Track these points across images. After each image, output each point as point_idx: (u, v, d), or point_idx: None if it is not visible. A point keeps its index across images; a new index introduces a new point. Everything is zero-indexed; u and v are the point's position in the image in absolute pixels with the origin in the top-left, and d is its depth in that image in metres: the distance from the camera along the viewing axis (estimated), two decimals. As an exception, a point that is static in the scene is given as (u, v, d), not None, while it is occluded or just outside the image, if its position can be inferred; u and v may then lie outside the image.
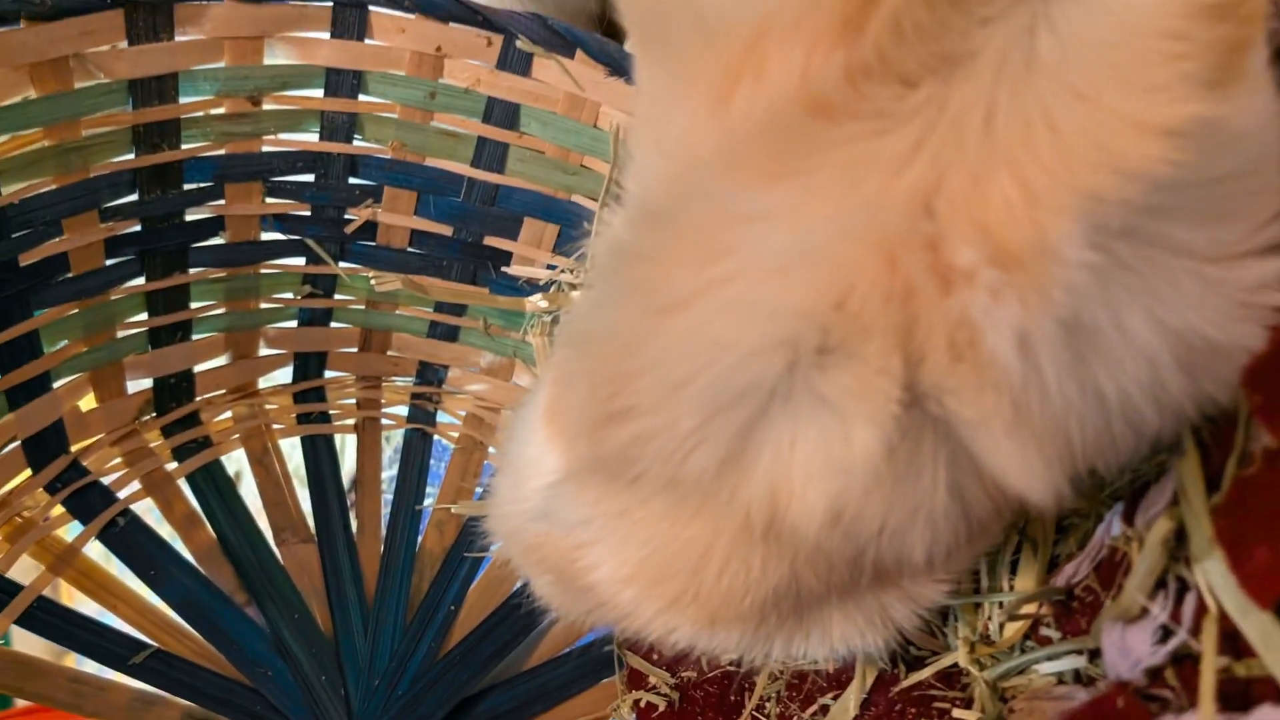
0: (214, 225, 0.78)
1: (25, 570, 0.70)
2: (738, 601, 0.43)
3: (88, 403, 0.78)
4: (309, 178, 0.79)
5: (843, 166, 0.30)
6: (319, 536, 0.78)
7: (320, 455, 0.83)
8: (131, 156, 0.71)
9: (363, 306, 0.86)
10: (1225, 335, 0.34)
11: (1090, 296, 0.30)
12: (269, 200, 0.79)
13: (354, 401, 0.88)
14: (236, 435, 0.83)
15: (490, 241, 0.83)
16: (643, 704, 0.65)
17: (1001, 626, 0.51)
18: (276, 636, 0.71)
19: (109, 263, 0.74)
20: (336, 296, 0.85)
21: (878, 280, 0.30)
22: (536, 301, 0.83)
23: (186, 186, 0.75)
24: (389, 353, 0.89)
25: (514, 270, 0.84)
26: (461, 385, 0.89)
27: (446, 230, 0.83)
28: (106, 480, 0.77)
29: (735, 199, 0.32)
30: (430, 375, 0.89)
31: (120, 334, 0.78)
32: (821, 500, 0.35)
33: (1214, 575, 0.35)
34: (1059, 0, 0.31)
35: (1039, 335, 0.30)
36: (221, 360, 0.84)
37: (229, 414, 0.85)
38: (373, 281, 0.83)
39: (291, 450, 0.85)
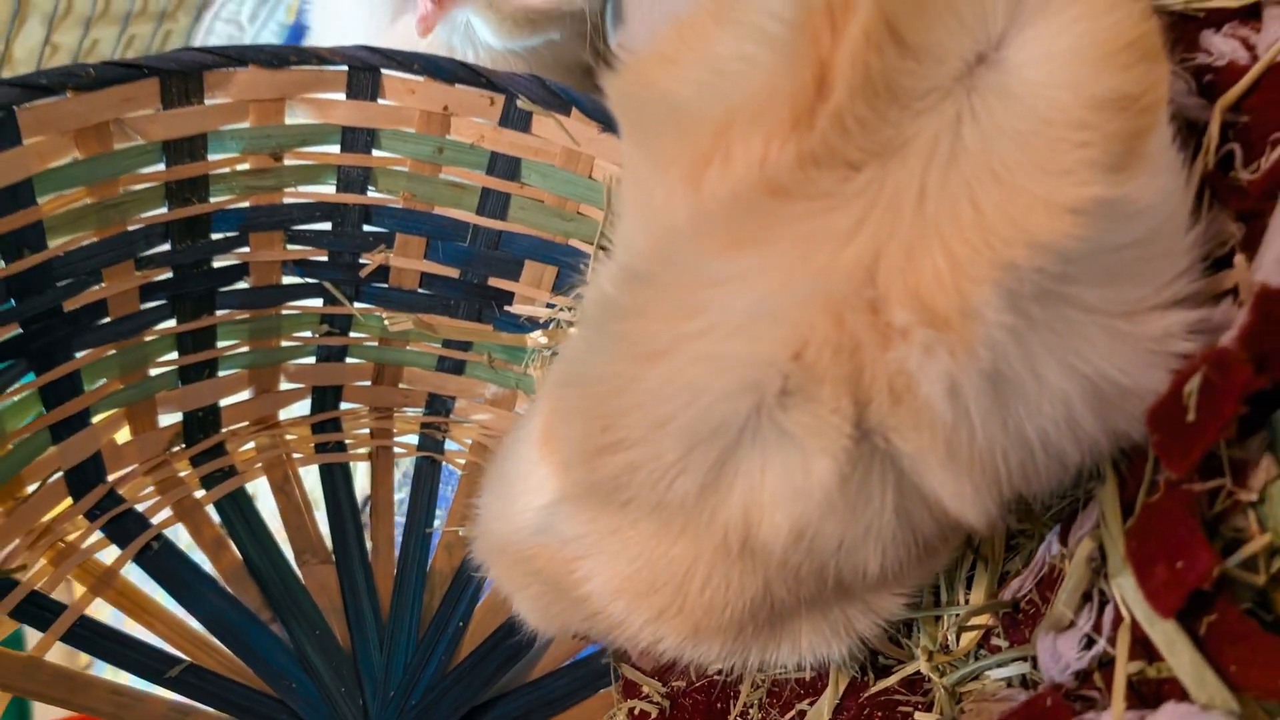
0: (239, 271, 0.82)
1: (68, 591, 0.73)
2: (718, 613, 0.46)
3: (123, 435, 0.82)
4: (327, 226, 0.83)
5: (797, 240, 0.34)
6: (337, 558, 0.81)
7: (337, 482, 0.87)
8: (165, 210, 0.75)
9: (376, 343, 0.90)
10: (1134, 380, 0.38)
11: (1009, 350, 0.34)
12: (290, 247, 0.83)
13: (368, 431, 0.91)
14: (259, 464, 0.87)
15: (494, 282, 0.86)
16: (636, 711, 0.68)
17: (957, 636, 0.55)
18: (299, 651, 0.75)
19: (143, 307, 0.78)
20: (352, 334, 0.89)
21: (828, 336, 0.34)
22: (537, 337, 0.87)
23: (214, 236, 0.79)
24: (400, 385, 0.92)
25: (516, 309, 0.87)
26: (468, 415, 0.92)
27: (454, 273, 0.86)
28: (141, 507, 0.80)
29: (706, 266, 0.36)
30: (439, 406, 0.93)
31: (153, 372, 0.81)
32: (786, 521, 0.39)
33: (1126, 590, 0.39)
34: (981, 94, 0.35)
35: (966, 384, 0.34)
36: (245, 395, 0.88)
37: (252, 444, 0.88)
38: (386, 321, 0.86)
39: (309, 475, 0.88)
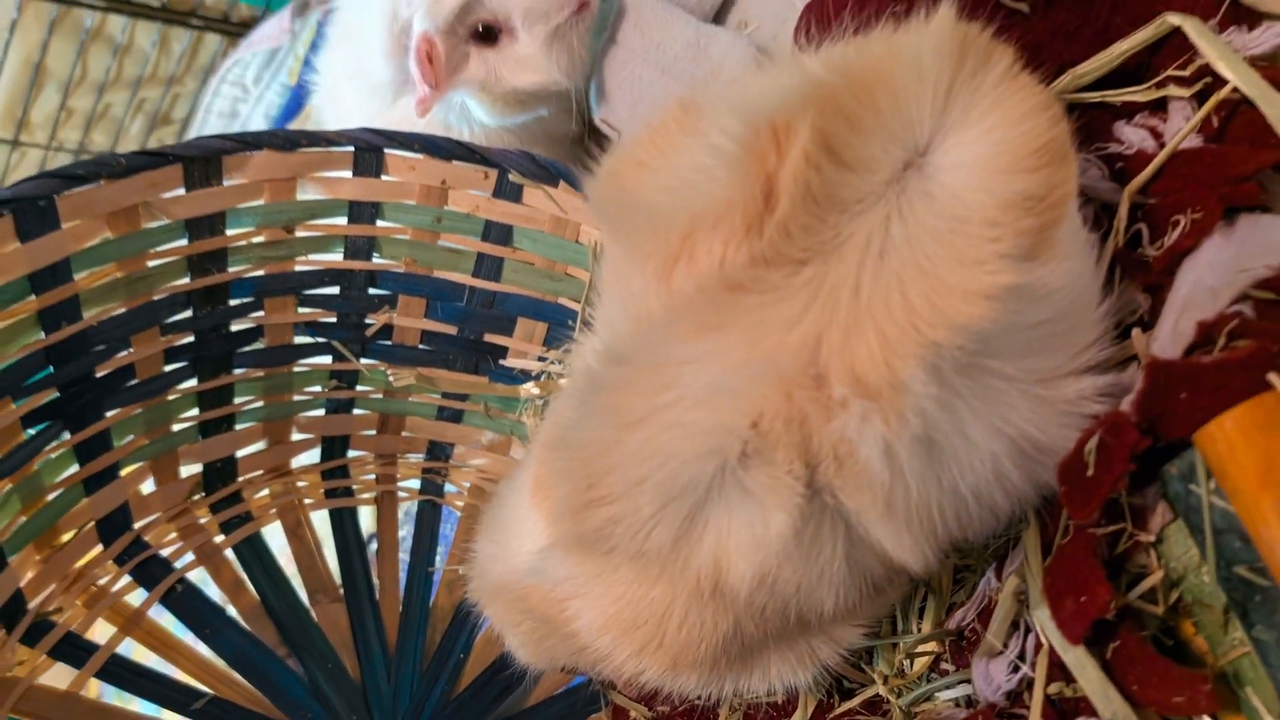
0: (255, 333, 0.86)
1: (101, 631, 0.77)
2: (695, 648, 0.50)
3: (148, 486, 0.86)
4: (335, 290, 0.87)
5: (751, 327, 0.39)
6: (347, 597, 0.85)
7: (346, 526, 0.91)
8: (187, 280, 0.79)
9: (381, 396, 0.94)
10: (1051, 439, 0.42)
11: (938, 417, 0.39)
12: (301, 310, 0.87)
13: (374, 477, 0.95)
14: (274, 510, 0.91)
15: (489, 338, 0.90)
16: (625, 734, 0.72)
17: (911, 662, 0.59)
18: (313, 683, 0.78)
19: (167, 369, 0.82)
20: (358, 388, 0.93)
21: (779, 408, 0.39)
22: (529, 388, 0.91)
23: (232, 302, 0.83)
24: (403, 434, 0.96)
25: (510, 362, 0.92)
26: (466, 460, 0.96)
27: (452, 330, 0.90)
28: (165, 552, 0.84)
29: (675, 348, 0.40)
30: (439, 452, 0.96)
31: (175, 427, 0.85)
32: (749, 568, 0.43)
33: (1044, 620, 0.43)
34: (908, 197, 0.40)
35: (899, 447, 0.39)
36: (260, 445, 0.92)
37: (267, 491, 0.92)
38: (390, 376, 0.90)
39: (319, 518, 0.92)
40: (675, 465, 0.41)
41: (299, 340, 0.89)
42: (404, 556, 0.91)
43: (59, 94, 1.70)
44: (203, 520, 0.88)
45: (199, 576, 0.85)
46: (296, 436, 0.94)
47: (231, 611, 0.83)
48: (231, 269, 0.81)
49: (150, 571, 0.83)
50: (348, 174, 0.81)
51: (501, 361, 0.92)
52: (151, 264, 0.76)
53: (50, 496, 0.77)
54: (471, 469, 0.96)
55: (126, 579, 0.82)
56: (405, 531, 0.97)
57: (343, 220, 0.84)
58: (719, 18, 0.90)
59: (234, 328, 0.85)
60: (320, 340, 0.89)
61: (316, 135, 0.78)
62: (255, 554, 0.87)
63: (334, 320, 0.88)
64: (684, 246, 0.40)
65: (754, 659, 0.54)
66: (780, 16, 0.83)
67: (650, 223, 0.42)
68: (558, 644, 0.56)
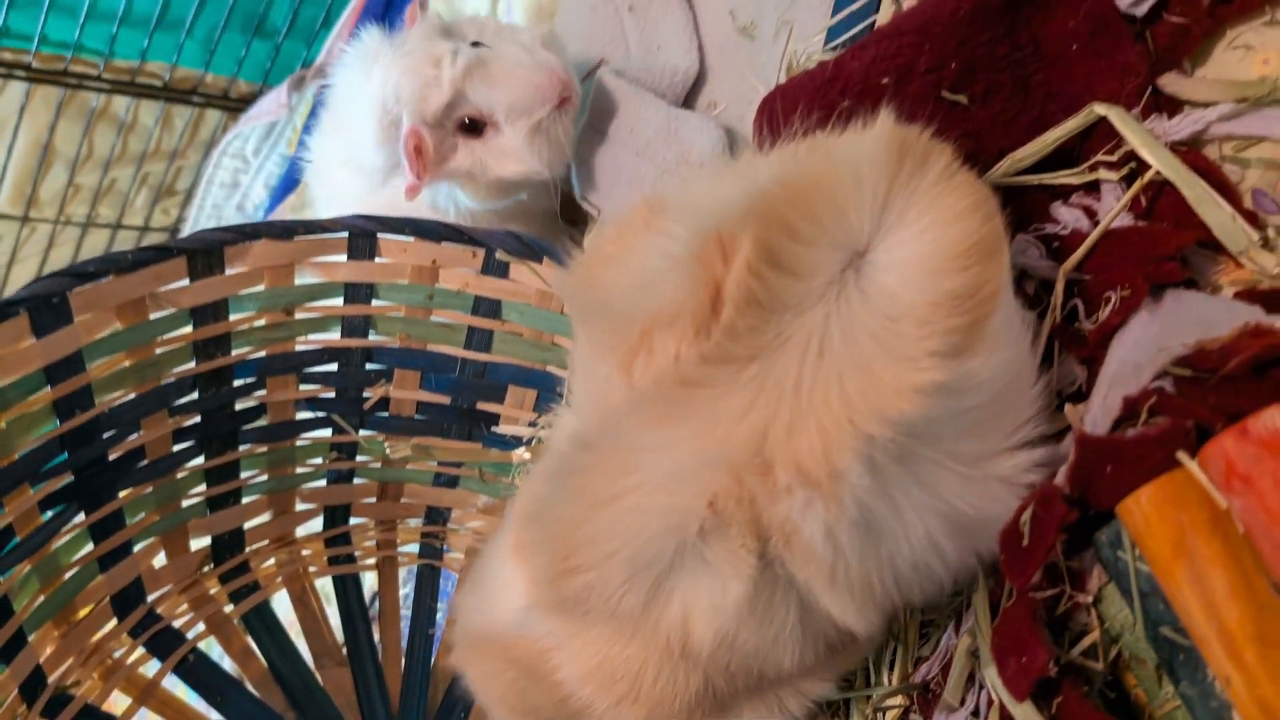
0: (258, 411, 0.88)
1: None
2: (669, 702, 0.53)
3: (159, 559, 0.88)
4: (333, 367, 0.90)
5: (704, 419, 0.42)
6: (351, 661, 0.87)
7: (349, 591, 0.93)
8: (193, 364, 0.82)
9: (380, 465, 0.96)
10: (985, 513, 0.45)
11: (874, 502, 0.42)
12: (302, 387, 0.89)
13: (375, 543, 0.98)
14: (280, 578, 0.93)
15: (482, 406, 0.93)
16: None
17: (884, 713, 0.61)
18: (321, 747, 0.81)
19: (176, 449, 0.84)
20: (358, 459, 0.95)
21: (731, 490, 0.42)
22: (521, 453, 0.93)
23: (236, 383, 0.85)
24: (402, 500, 0.98)
25: (502, 428, 0.94)
26: (463, 523, 0.99)
27: (446, 400, 0.93)
28: (177, 623, 0.86)
29: (637, 436, 0.44)
30: (437, 516, 0.99)
31: (185, 503, 0.88)
32: (710, 630, 0.47)
33: (993, 677, 0.46)
34: (846, 297, 0.43)
35: (839, 529, 0.42)
36: (265, 517, 0.94)
37: (273, 560, 0.94)
38: (387, 448, 0.93)
39: (323, 584, 0.94)
40: (641, 541, 0.44)
41: (300, 415, 0.91)
42: (406, 612, 0.93)
43: (66, 171, 1.74)
44: (212, 590, 0.90)
45: (209, 645, 0.87)
46: (300, 506, 0.96)
47: (242, 678, 0.85)
48: (235, 352, 0.84)
49: (163, 642, 0.85)
50: (343, 258, 0.84)
51: (494, 428, 0.94)
52: (159, 351, 0.79)
53: (67, 575, 0.79)
54: (468, 531, 0.98)
55: (140, 650, 0.84)
56: (407, 589, 0.99)
57: (339, 301, 0.86)
58: (689, 100, 0.94)
59: (238, 406, 0.87)
60: (320, 415, 0.92)
61: (312, 223, 0.81)
62: (263, 622, 0.89)
63: (333, 395, 0.91)
64: (643, 342, 0.44)
65: (727, 709, 0.57)
66: (746, 99, 0.86)
67: (613, 320, 0.45)
68: (541, 695, 0.58)
